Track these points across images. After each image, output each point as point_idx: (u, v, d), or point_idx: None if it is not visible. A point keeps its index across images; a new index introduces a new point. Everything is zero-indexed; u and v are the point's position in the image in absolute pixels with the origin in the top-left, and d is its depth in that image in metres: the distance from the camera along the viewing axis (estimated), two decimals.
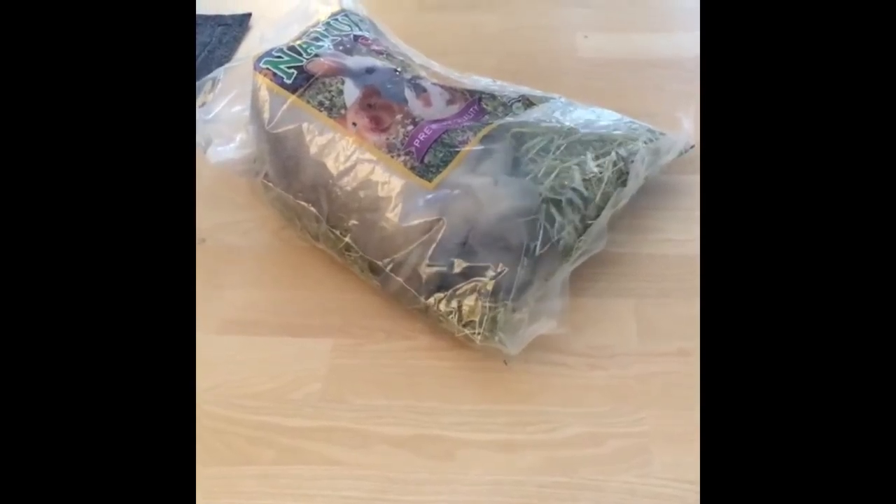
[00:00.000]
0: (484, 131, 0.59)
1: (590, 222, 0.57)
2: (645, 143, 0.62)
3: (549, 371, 0.54)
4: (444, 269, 0.53)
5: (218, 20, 0.93)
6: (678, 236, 0.63)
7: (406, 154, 0.57)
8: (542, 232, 0.54)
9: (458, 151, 0.57)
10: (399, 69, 0.63)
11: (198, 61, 0.86)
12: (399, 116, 0.59)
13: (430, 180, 0.55)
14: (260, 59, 0.63)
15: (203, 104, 0.67)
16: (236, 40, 0.90)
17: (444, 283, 0.53)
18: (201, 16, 0.94)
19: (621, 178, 0.60)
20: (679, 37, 0.87)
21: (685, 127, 0.65)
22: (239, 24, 0.92)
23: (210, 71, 0.70)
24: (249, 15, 0.94)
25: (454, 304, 0.53)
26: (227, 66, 0.70)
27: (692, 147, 0.66)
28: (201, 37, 0.90)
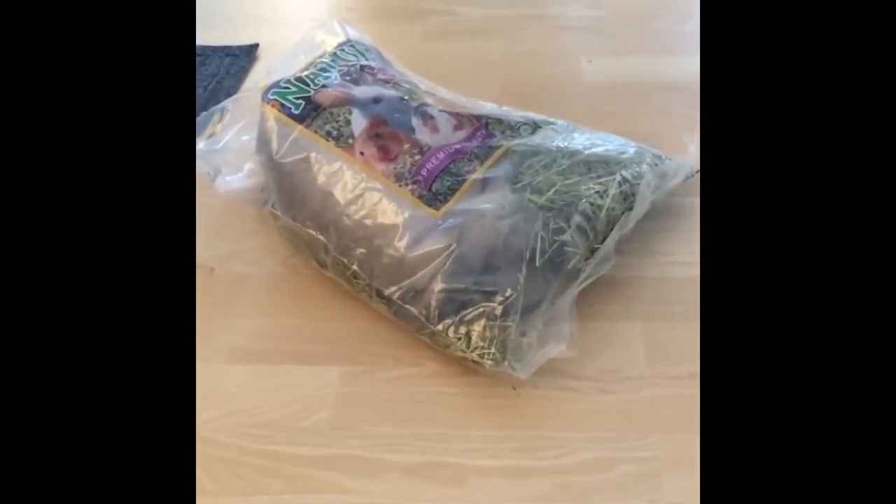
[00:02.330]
0: (491, 160, 0.59)
1: (596, 246, 0.57)
2: (650, 166, 0.63)
3: (558, 396, 0.54)
4: (452, 295, 0.53)
5: (226, 51, 0.95)
6: (685, 259, 0.63)
7: (414, 183, 0.57)
8: (539, 241, 0.54)
9: (465, 180, 0.57)
10: (406, 97, 0.64)
11: (206, 92, 0.87)
12: (407, 146, 0.59)
13: (437, 209, 0.56)
14: (268, 90, 0.63)
15: (212, 134, 0.68)
16: (244, 71, 0.91)
17: (453, 309, 0.54)
18: (209, 47, 0.95)
19: (627, 200, 0.60)
20: (683, 60, 0.88)
21: (690, 151, 0.65)
22: (246, 55, 0.94)
23: (218, 101, 0.71)
24: (257, 45, 0.95)
25: (463, 329, 0.53)
26: (235, 96, 0.71)
27: (697, 171, 0.66)
28: (209, 67, 0.92)
